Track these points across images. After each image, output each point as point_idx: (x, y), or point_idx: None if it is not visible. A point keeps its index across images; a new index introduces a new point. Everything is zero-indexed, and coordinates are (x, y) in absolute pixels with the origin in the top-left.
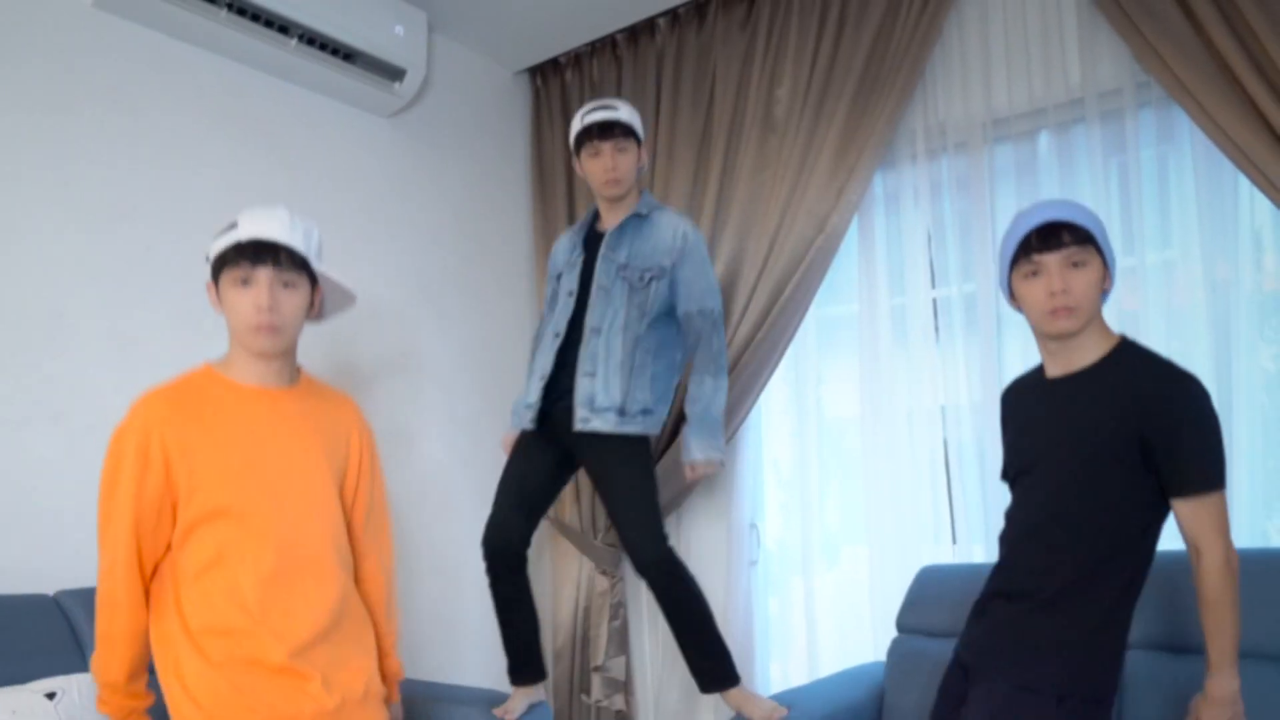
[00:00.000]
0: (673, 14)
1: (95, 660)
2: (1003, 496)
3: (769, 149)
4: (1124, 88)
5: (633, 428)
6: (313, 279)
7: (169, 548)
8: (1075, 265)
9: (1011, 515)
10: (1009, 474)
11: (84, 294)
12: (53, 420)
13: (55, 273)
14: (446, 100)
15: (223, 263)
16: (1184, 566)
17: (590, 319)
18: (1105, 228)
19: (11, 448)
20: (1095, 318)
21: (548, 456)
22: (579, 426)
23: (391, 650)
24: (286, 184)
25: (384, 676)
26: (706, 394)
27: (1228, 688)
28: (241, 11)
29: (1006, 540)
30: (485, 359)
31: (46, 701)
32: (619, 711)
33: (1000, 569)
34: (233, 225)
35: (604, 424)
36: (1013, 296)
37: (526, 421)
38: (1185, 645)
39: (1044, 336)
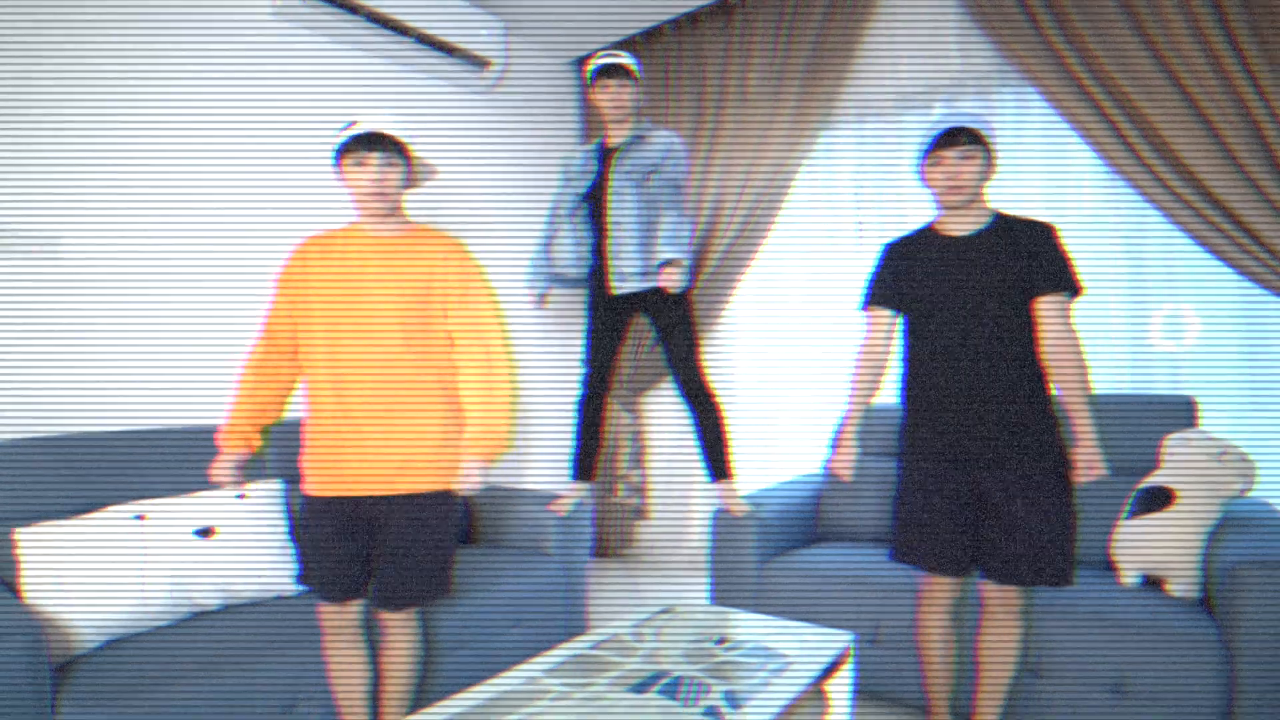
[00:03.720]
0: (676, 22)
1: (229, 406)
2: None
3: (743, 116)
4: (992, 73)
5: (635, 285)
6: (408, 160)
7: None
8: (966, 158)
9: (948, 342)
10: (890, 304)
11: (270, 218)
12: (243, 305)
13: (248, 202)
14: (519, 81)
15: (345, 151)
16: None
17: (612, 216)
18: (993, 131)
19: (215, 323)
20: (979, 195)
21: (614, 318)
22: (614, 292)
23: (482, 426)
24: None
25: (472, 444)
26: (672, 220)
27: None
28: (375, 20)
29: (952, 362)
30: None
31: (237, 500)
32: (636, 507)
33: (967, 382)
34: (350, 124)
35: (632, 286)
36: (924, 179)
37: (561, 282)
38: None
39: (944, 207)
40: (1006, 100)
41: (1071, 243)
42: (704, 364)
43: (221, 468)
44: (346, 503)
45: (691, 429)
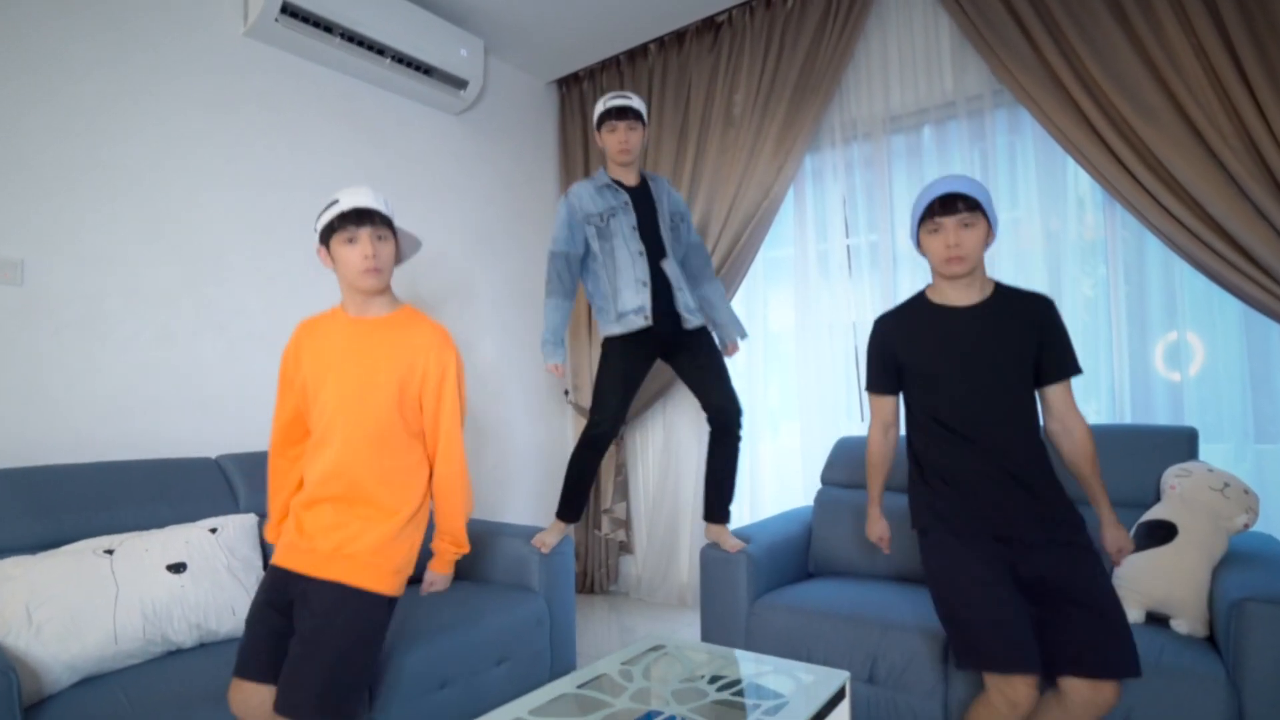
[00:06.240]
0: (660, 40)
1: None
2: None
3: (729, 138)
4: (984, 93)
5: (700, 321)
6: (393, 233)
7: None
8: (966, 226)
9: (962, 414)
10: (889, 386)
11: (240, 241)
12: (217, 331)
13: (220, 226)
14: (497, 103)
15: (331, 230)
16: None
17: (669, 249)
18: (991, 197)
19: (188, 351)
20: (980, 263)
21: (643, 361)
22: (687, 326)
23: (445, 530)
24: (383, 163)
25: (436, 549)
26: (721, 293)
27: (1119, 522)
28: (351, 39)
29: (970, 435)
30: (523, 286)
31: (210, 534)
32: (621, 542)
33: (994, 460)
34: (334, 202)
35: (697, 320)
36: (919, 246)
37: (640, 322)
38: None
39: (942, 277)
40: (1000, 122)
41: (1068, 270)
42: None
43: None
44: (279, 573)
45: (711, 464)
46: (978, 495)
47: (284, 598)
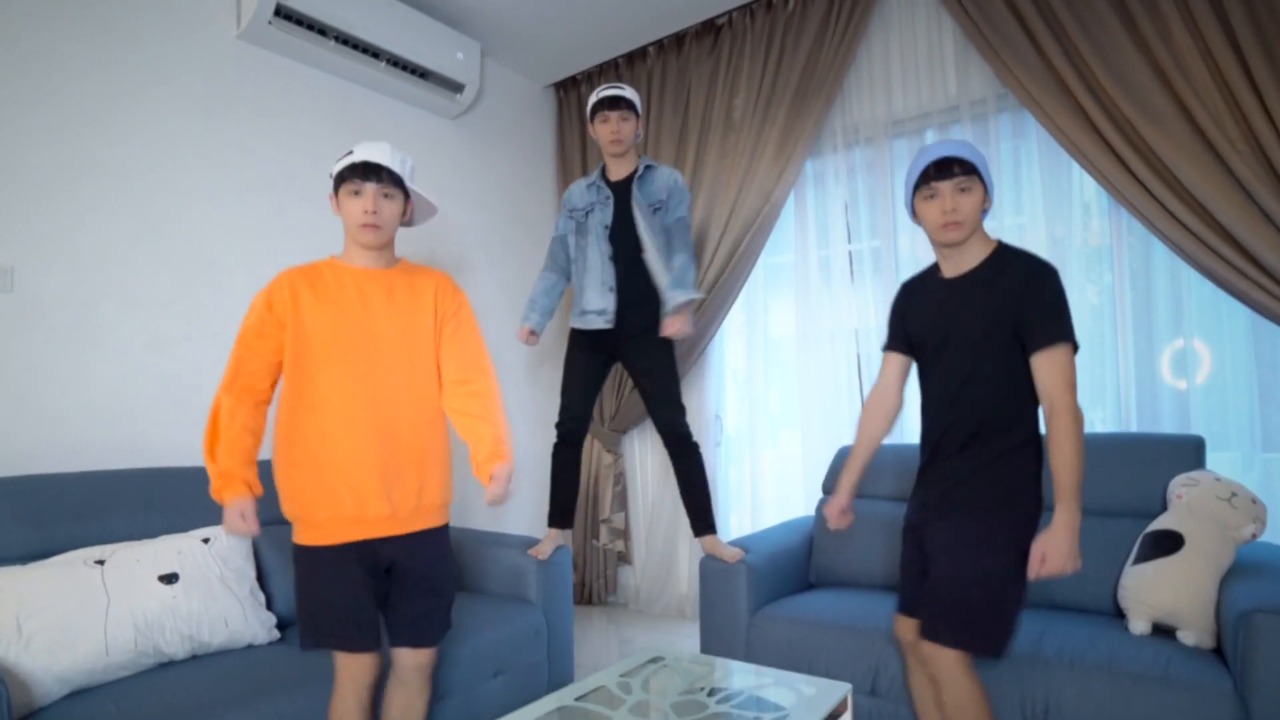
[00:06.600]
0: (659, 43)
1: (206, 453)
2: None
3: (729, 142)
4: (988, 97)
5: (680, 299)
6: (406, 195)
7: (279, 372)
8: (963, 190)
9: (933, 388)
10: (901, 348)
11: (232, 246)
12: (210, 338)
13: (213, 230)
14: (494, 107)
15: (341, 180)
16: None
17: (645, 240)
18: (987, 161)
19: (181, 357)
20: (978, 229)
21: (600, 360)
22: (665, 309)
23: (500, 439)
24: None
25: (478, 466)
26: (684, 261)
27: (1073, 518)
28: (345, 42)
29: (934, 409)
30: (519, 292)
31: (203, 544)
32: (619, 552)
33: (944, 428)
34: (349, 153)
35: (680, 298)
36: (914, 214)
37: (600, 324)
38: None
39: (938, 245)
40: (1004, 126)
41: (1074, 276)
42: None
43: (235, 519)
44: (364, 546)
45: (677, 479)
46: (923, 462)
47: (380, 564)
